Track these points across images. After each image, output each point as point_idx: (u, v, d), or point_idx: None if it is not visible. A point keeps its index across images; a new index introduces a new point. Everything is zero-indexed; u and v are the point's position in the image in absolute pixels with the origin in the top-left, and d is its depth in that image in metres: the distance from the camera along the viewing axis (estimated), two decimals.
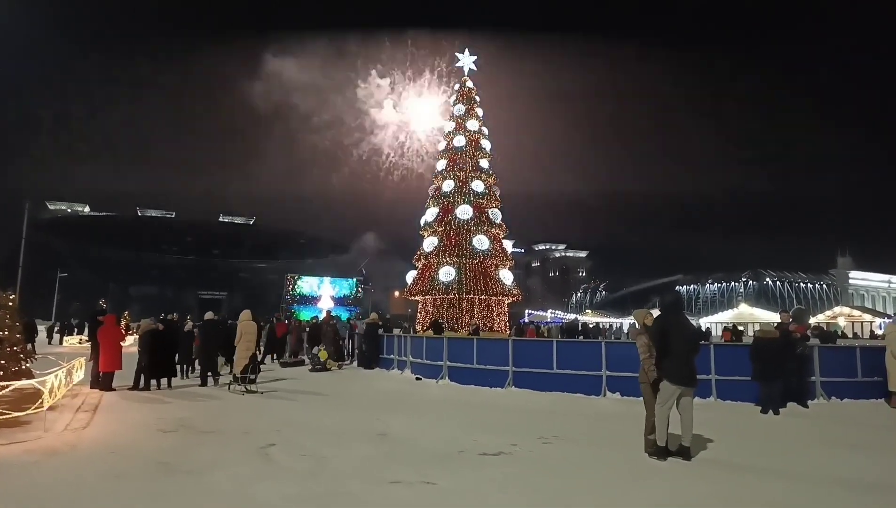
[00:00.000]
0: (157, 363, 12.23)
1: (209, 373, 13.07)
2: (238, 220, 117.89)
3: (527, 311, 74.07)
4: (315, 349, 17.25)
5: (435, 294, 28.89)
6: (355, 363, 18.66)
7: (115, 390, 11.56)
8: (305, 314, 45.56)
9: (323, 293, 67.39)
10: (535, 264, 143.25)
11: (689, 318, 7.77)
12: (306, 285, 68.42)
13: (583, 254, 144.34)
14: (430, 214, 30.23)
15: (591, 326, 38.11)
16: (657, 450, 6.41)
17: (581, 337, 26.41)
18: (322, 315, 21.32)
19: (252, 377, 11.82)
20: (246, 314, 12.49)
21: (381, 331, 18.57)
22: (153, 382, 12.18)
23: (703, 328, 42.90)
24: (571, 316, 76.67)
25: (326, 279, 69.72)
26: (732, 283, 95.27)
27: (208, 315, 14.54)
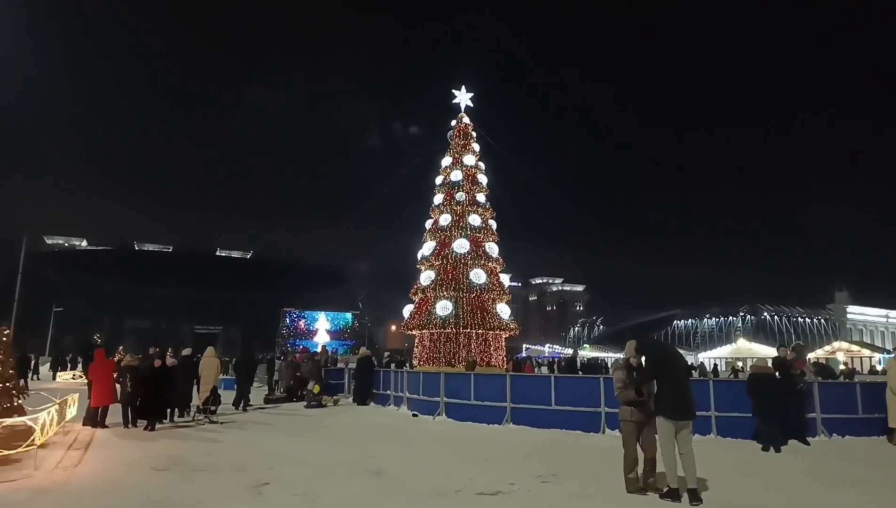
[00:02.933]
0: (143, 402, 11.62)
1: (176, 408, 12.99)
2: (235, 254, 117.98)
3: (524, 345, 73.72)
4: (309, 385, 17.07)
5: (432, 328, 28.73)
6: (351, 399, 18.45)
7: (107, 426, 11.39)
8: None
9: (319, 327, 67.02)
10: (533, 297, 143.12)
11: (679, 351, 7.83)
12: (302, 318, 68.10)
13: (580, 288, 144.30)
14: (428, 247, 30.29)
15: (586, 360, 37.80)
16: (670, 492, 6.27)
17: (580, 373, 26.19)
18: (318, 349, 21.17)
19: (213, 408, 12.91)
20: (209, 351, 13.91)
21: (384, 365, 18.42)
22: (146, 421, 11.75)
23: (708, 364, 42.59)
24: (569, 351, 76.23)
25: (322, 313, 69.39)
26: (730, 317, 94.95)
27: (186, 351, 14.67)
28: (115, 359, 13.86)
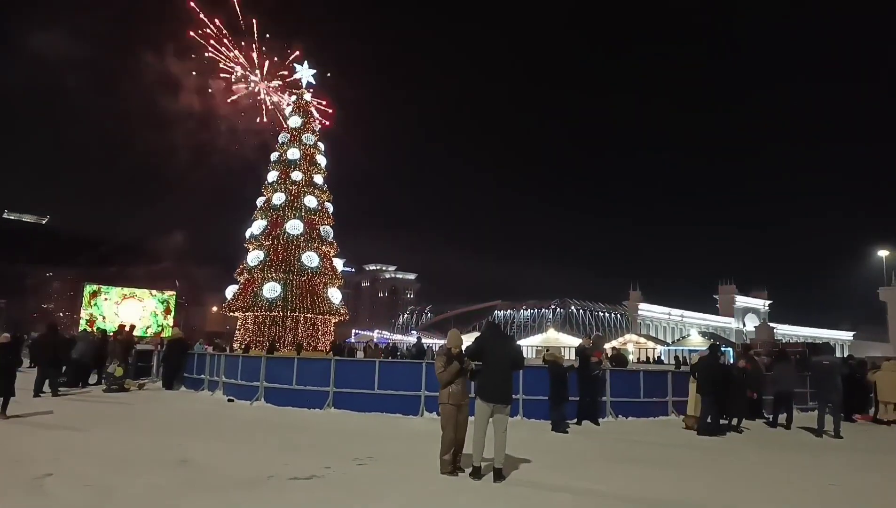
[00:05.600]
0: None
1: None
2: (27, 218, 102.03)
3: (353, 331, 73.61)
4: (110, 367, 15.37)
5: (257, 311, 27.54)
6: (160, 383, 16.97)
7: None
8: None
9: (128, 306, 60.68)
10: (366, 283, 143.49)
11: (511, 339, 8.25)
12: (108, 296, 61.15)
13: (412, 276, 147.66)
14: (257, 226, 28.92)
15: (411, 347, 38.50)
16: (473, 471, 6.60)
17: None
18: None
19: None
20: None
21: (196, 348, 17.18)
22: None
23: (526, 352, 45.67)
24: (398, 337, 77.69)
25: (133, 290, 62.88)
26: (543, 310, 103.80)
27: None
28: None
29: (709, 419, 10.76)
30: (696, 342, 60.26)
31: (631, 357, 42.82)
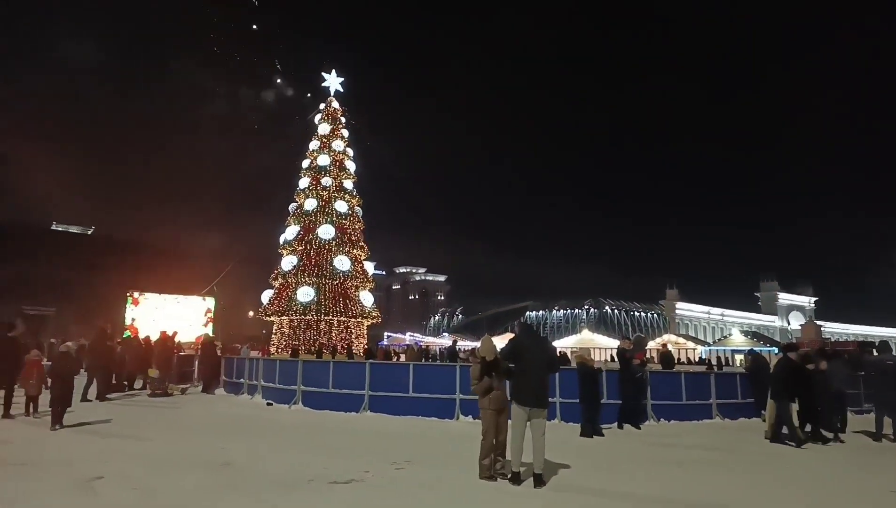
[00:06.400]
0: None
1: None
2: (74, 229, 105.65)
3: (386, 333, 74.00)
4: (153, 372, 15.82)
5: (292, 315, 27.97)
6: (201, 388, 17.38)
7: None
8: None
9: (169, 312, 62.18)
10: (396, 286, 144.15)
11: (546, 340, 8.15)
12: (151, 302, 62.81)
13: (442, 278, 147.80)
14: (291, 232, 29.39)
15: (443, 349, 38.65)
16: (513, 476, 6.55)
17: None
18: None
19: None
20: None
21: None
22: None
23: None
24: (430, 339, 77.82)
25: (173, 296, 64.46)
26: (576, 310, 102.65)
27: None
28: None
29: (784, 429, 10.10)
30: (739, 341, 58.56)
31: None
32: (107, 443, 8.76)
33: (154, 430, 10.10)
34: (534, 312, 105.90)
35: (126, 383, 16.61)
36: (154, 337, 19.22)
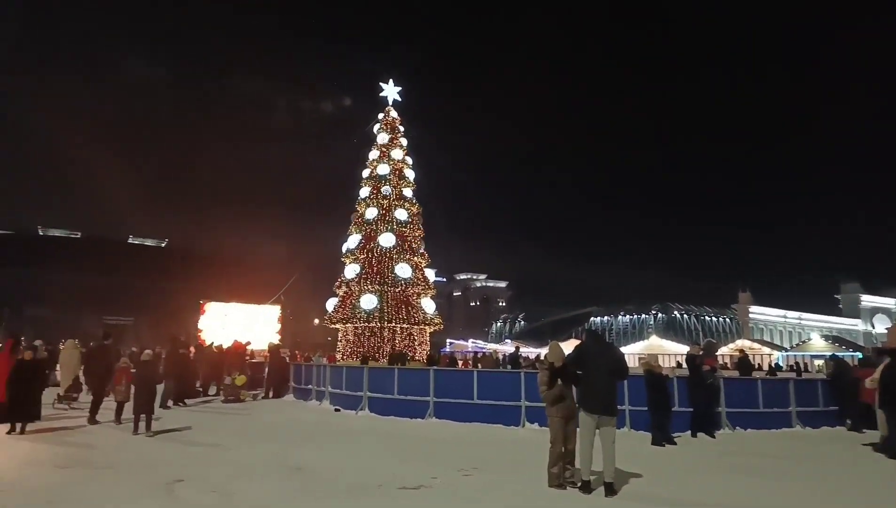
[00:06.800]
0: (13, 401, 9.97)
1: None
2: (149, 242, 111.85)
3: (448, 340, 74.31)
4: (227, 379, 16.46)
5: (356, 322, 28.47)
6: (270, 394, 17.94)
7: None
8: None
9: (240, 320, 64.63)
10: (457, 293, 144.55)
11: (613, 347, 7.91)
12: (218, 310, 65.50)
13: (503, 284, 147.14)
14: (353, 240, 29.96)
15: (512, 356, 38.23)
16: (583, 485, 6.44)
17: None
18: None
19: (75, 395, 13.76)
20: (69, 343, 14.93)
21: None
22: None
23: (628, 361, 43.94)
24: (493, 345, 77.50)
25: (242, 305, 66.96)
26: (643, 315, 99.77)
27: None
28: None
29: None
30: (820, 346, 55.56)
31: None
32: (186, 448, 9.17)
33: (229, 435, 10.50)
34: (598, 318, 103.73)
35: (201, 389, 17.36)
36: (226, 345, 20.04)
